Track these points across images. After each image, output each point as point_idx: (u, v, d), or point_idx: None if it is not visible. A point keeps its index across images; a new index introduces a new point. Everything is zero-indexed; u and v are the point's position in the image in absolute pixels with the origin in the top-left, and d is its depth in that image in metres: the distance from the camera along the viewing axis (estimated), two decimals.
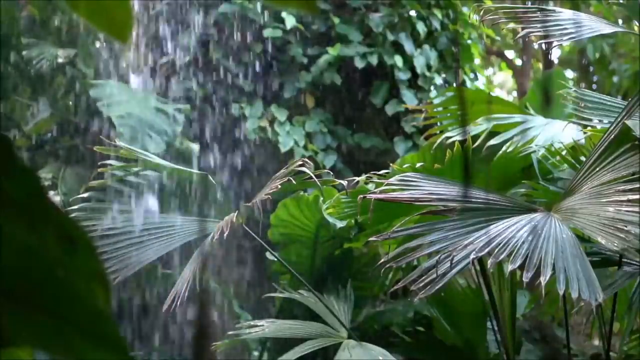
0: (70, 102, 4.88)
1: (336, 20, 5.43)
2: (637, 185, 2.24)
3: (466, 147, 2.83)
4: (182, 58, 5.27)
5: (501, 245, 2.17)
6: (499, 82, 12.23)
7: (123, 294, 4.28)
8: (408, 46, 5.49)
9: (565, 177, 2.86)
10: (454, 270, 2.20)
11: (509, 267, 2.17)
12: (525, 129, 3.20)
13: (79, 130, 4.88)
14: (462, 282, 3.33)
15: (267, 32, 5.26)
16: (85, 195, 3.08)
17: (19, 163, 0.59)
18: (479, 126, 3.21)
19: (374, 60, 5.36)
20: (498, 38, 8.10)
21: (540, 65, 9.76)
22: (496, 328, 2.98)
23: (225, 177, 5.13)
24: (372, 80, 5.53)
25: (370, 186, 2.97)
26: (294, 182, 2.81)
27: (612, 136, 2.47)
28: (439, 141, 3.23)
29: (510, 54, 10.87)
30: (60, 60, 4.72)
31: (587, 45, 7.50)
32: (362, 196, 2.65)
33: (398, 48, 5.50)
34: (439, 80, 5.65)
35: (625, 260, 2.67)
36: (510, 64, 10.79)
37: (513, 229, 2.25)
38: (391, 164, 3.02)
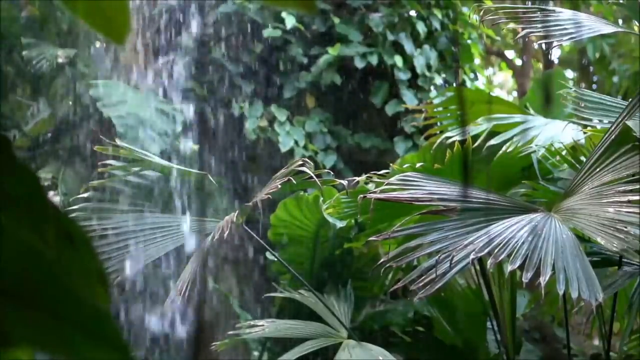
0: (70, 102, 4.88)
1: (336, 20, 5.43)
2: (638, 186, 2.24)
3: (466, 147, 2.83)
4: (182, 58, 5.27)
5: (501, 245, 2.17)
6: (499, 82, 12.23)
7: (123, 294, 4.28)
8: (408, 46, 5.49)
9: (565, 177, 2.86)
10: (454, 270, 2.20)
11: (508, 267, 2.17)
12: (525, 129, 3.20)
13: (79, 130, 4.88)
14: (462, 282, 3.33)
15: (267, 32, 5.26)
16: (85, 195, 3.08)
17: (18, 162, 0.59)
18: (479, 126, 3.21)
19: (374, 60, 5.36)
20: (498, 38, 8.10)
21: (540, 65, 9.76)
22: (496, 328, 2.98)
23: (225, 177, 5.13)
24: (372, 80, 5.53)
25: (370, 186, 2.97)
26: (294, 182, 2.81)
27: (613, 137, 2.47)
28: (439, 141, 3.22)
29: (510, 54, 10.86)
30: (60, 60, 4.72)
31: (587, 45, 7.50)
32: (362, 196, 2.65)
33: (398, 48, 5.50)
34: (439, 80, 5.65)
35: (625, 260, 2.67)
36: (510, 64, 10.79)
37: (513, 229, 2.25)
38: (391, 164, 3.02)
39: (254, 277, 5.01)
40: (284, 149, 5.13)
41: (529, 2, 5.46)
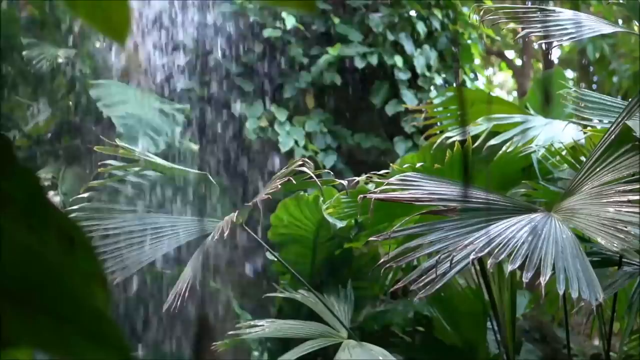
0: (70, 102, 4.88)
1: (336, 20, 5.43)
2: (638, 186, 2.24)
3: (466, 147, 2.83)
4: (182, 58, 5.27)
5: (501, 245, 2.17)
6: (499, 82, 12.23)
7: (123, 294, 4.28)
8: (408, 46, 5.49)
9: (565, 177, 2.86)
10: (454, 270, 2.20)
11: (509, 267, 2.17)
12: (525, 129, 3.20)
13: (79, 130, 4.88)
14: (462, 282, 3.33)
15: (267, 32, 5.26)
16: (85, 195, 3.07)
17: (18, 163, 0.59)
18: (479, 126, 3.21)
19: (374, 60, 5.36)
20: (498, 38, 8.10)
21: (540, 65, 9.76)
22: (496, 328, 2.98)
23: (225, 177, 5.13)
24: (372, 80, 5.53)
25: (370, 186, 2.97)
26: (294, 182, 2.81)
27: (613, 136, 2.47)
28: (439, 141, 3.23)
29: (510, 54, 10.87)
30: (60, 60, 4.72)
31: (587, 45, 7.50)
32: (362, 196, 2.65)
33: (398, 48, 5.50)
34: (439, 80, 5.65)
35: (625, 260, 2.67)
36: (510, 64, 10.80)
37: (513, 229, 2.25)
38: (391, 164, 3.02)
39: (254, 277, 5.01)
40: (284, 149, 5.13)
41: (529, 2, 5.46)
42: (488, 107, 3.40)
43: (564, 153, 2.90)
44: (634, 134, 2.38)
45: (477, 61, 6.56)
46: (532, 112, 3.68)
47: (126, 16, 0.69)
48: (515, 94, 10.62)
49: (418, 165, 2.92)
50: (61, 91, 4.85)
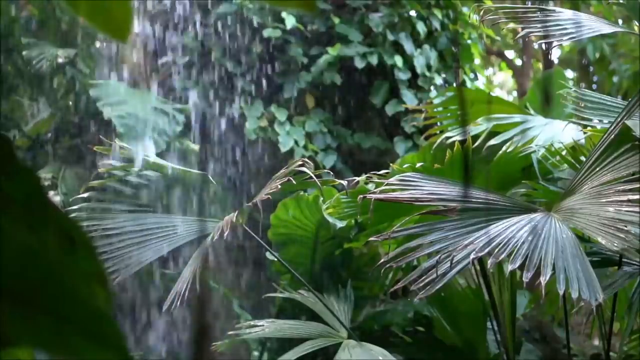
0: (70, 102, 4.88)
1: (336, 20, 5.43)
2: (637, 186, 2.24)
3: (466, 147, 2.83)
4: (182, 58, 5.27)
5: (501, 245, 2.17)
6: (499, 82, 12.24)
7: (123, 293, 4.28)
8: (408, 46, 5.49)
9: (565, 177, 2.86)
10: (454, 270, 2.20)
11: (509, 267, 2.17)
12: (525, 129, 3.20)
13: (79, 130, 4.88)
14: (462, 282, 3.33)
15: (267, 32, 5.26)
16: (85, 195, 3.08)
17: (19, 163, 0.59)
18: (479, 126, 3.21)
19: (374, 60, 5.36)
20: (498, 38, 8.10)
21: (540, 65, 9.76)
22: (496, 328, 2.98)
23: (225, 177, 5.13)
24: (372, 80, 5.53)
25: (370, 186, 2.97)
26: (294, 182, 2.81)
27: (612, 136, 2.47)
28: (439, 141, 3.23)
29: (510, 54, 10.87)
30: (60, 60, 4.72)
31: (587, 45, 7.50)
32: (362, 196, 2.65)
33: (398, 48, 5.50)
34: (439, 80, 5.65)
35: (625, 260, 2.67)
36: (510, 64, 10.80)
37: (513, 229, 2.25)
38: (391, 164, 3.02)
39: (254, 277, 5.01)
40: (284, 149, 5.13)
41: (529, 2, 5.46)
42: (488, 107, 3.40)
43: (564, 153, 2.90)
44: (634, 133, 2.38)
45: (477, 61, 6.56)
46: (532, 112, 3.68)
47: (128, 15, 0.69)
48: (515, 94, 10.63)
49: (418, 165, 2.92)
50: (61, 91, 4.85)
